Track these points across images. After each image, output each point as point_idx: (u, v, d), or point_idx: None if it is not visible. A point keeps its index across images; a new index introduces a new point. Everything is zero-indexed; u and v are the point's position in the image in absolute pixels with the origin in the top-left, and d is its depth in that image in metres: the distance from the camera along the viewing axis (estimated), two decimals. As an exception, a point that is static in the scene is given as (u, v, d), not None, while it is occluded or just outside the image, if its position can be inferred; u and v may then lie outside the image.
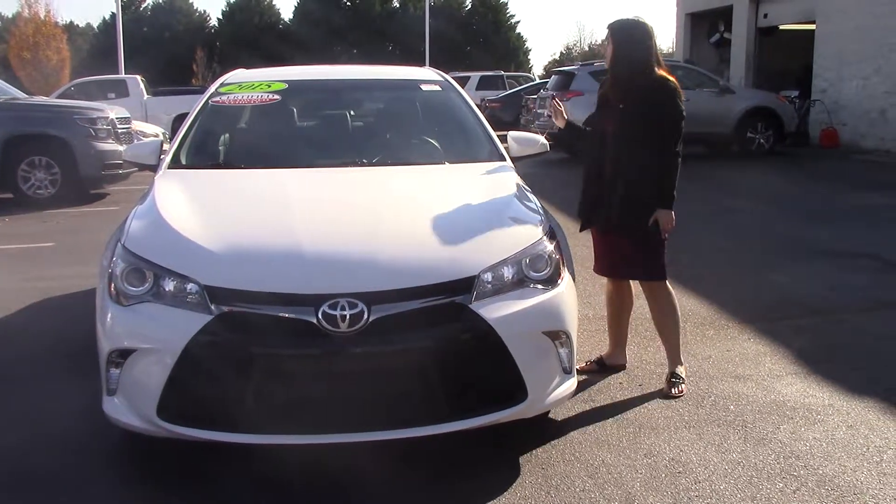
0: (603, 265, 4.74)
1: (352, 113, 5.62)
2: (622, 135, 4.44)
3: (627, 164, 4.42)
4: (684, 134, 4.39)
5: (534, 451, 3.77)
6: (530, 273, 3.59)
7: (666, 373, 4.57)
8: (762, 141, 16.63)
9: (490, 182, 4.51)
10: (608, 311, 4.91)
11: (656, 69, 4.43)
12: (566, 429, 4.01)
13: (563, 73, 17.88)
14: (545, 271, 3.63)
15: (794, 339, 5.31)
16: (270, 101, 5.21)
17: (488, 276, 3.46)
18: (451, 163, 4.85)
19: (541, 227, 3.84)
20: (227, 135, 5.24)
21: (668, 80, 4.43)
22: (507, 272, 3.53)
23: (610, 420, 4.13)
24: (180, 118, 10.92)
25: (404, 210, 4.00)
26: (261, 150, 5.09)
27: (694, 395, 4.43)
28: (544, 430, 3.97)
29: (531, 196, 4.30)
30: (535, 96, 18.77)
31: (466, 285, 3.39)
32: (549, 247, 3.72)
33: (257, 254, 3.49)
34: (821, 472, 3.58)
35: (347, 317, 3.20)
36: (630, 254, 4.53)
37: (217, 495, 3.42)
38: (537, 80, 29.80)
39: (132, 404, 3.38)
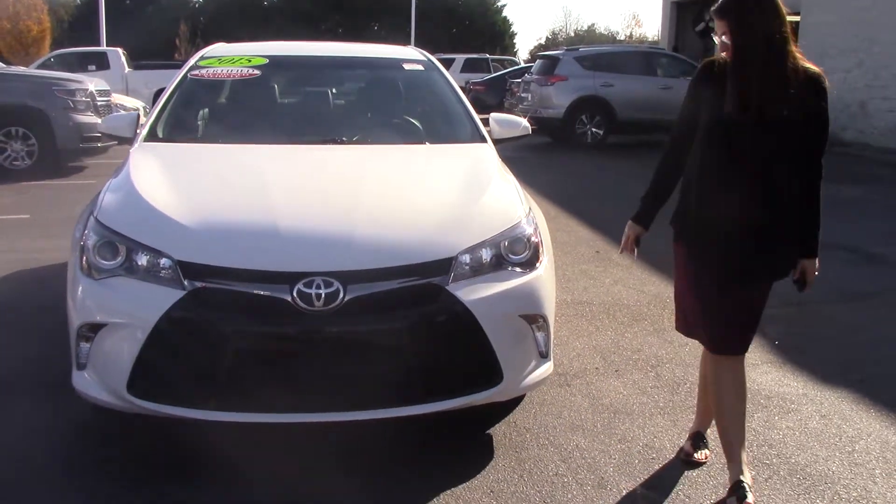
0: (732, 334, 3.22)
1: (333, 91, 5.56)
2: (773, 159, 3.05)
3: (784, 197, 3.09)
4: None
5: (508, 435, 3.76)
6: (509, 256, 3.56)
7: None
8: (745, 131, 16.65)
9: (470, 163, 4.47)
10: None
11: (799, 56, 3.08)
12: (541, 413, 4.00)
13: (548, 58, 17.85)
14: (524, 254, 3.60)
15: (771, 329, 5.31)
16: (250, 75, 5.14)
17: (466, 258, 3.42)
18: (431, 143, 4.80)
19: (520, 210, 3.80)
20: (205, 109, 5.17)
21: (819, 72, 3.11)
22: (486, 254, 3.49)
23: (585, 405, 4.12)
24: (161, 92, 10.88)
25: (383, 189, 3.95)
26: (239, 125, 5.03)
27: (670, 382, 4.43)
28: (519, 413, 3.96)
29: (511, 179, 4.26)
30: (520, 80, 18.73)
31: (444, 267, 3.36)
32: (529, 230, 3.69)
33: (232, 230, 3.43)
34: (793, 461, 3.58)
35: (323, 295, 3.16)
36: (756, 313, 3.26)
37: (187, 472, 3.39)
38: (522, 64, 29.69)
39: (102, 379, 3.33)
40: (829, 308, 5.88)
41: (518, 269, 3.56)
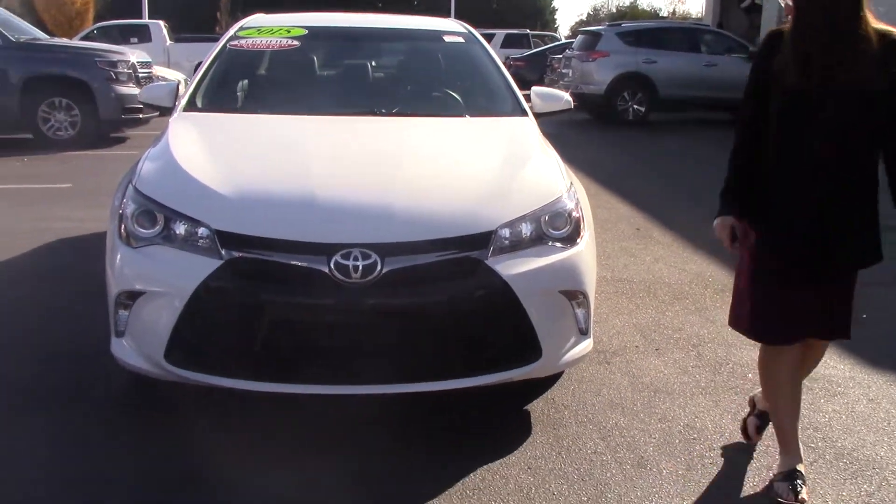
0: (797, 325, 3.06)
1: (373, 63, 5.50)
2: (844, 130, 2.81)
3: (863, 176, 2.88)
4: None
5: (546, 411, 3.71)
6: (549, 231, 3.49)
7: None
8: (790, 109, 16.32)
9: (511, 137, 4.39)
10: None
11: (872, 19, 2.81)
12: (580, 390, 3.94)
13: (590, 34, 17.62)
14: (564, 229, 3.53)
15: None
16: (289, 46, 5.10)
17: (506, 232, 3.36)
18: (472, 116, 4.73)
19: (562, 185, 3.72)
20: (244, 79, 5.14)
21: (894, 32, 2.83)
22: (526, 229, 3.43)
23: (625, 383, 4.05)
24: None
25: (422, 162, 3.90)
26: (278, 95, 5.00)
27: (711, 362, 4.34)
28: (557, 390, 3.91)
29: (553, 153, 4.18)
30: (561, 56, 18.53)
31: (483, 240, 3.30)
32: (570, 205, 3.61)
33: (270, 200, 3.40)
34: (839, 444, 3.49)
35: (360, 267, 3.12)
36: (842, 303, 3.11)
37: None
38: (563, 40, 29.38)
39: (140, 347, 3.33)
40: (878, 290, 5.71)
41: (558, 245, 3.49)
